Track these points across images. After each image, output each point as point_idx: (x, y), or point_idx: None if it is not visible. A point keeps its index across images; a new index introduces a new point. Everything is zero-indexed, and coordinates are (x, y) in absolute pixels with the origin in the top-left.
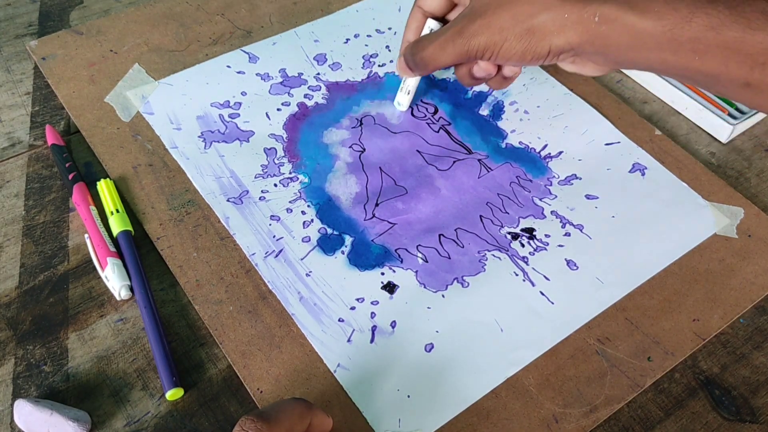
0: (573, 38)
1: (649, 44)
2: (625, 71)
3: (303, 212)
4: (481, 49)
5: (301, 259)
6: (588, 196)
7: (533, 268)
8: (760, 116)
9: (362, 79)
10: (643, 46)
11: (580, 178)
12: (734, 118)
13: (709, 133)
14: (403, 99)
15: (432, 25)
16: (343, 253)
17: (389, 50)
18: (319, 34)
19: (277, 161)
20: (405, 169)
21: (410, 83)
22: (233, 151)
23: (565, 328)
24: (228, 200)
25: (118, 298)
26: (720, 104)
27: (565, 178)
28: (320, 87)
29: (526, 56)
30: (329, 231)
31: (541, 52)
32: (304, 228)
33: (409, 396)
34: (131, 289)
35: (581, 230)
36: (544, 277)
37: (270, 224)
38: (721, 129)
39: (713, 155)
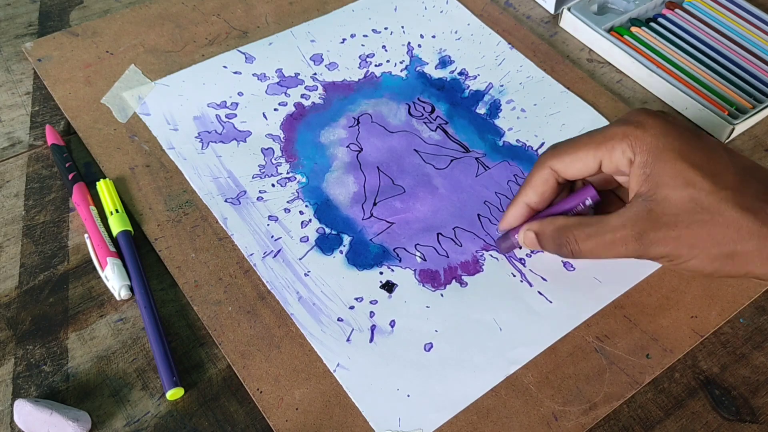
0: None
1: None
2: (625, 71)
3: (301, 212)
4: (660, 257)
5: (300, 259)
6: None
7: (530, 270)
8: (760, 116)
9: (359, 79)
10: None
11: None
12: (734, 118)
13: (709, 133)
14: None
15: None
16: (341, 252)
17: (385, 50)
18: (316, 34)
19: (274, 161)
20: (403, 168)
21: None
22: (230, 151)
23: (564, 326)
24: (226, 201)
25: (118, 298)
26: (720, 104)
27: None
28: (317, 87)
29: (714, 275)
30: (327, 231)
31: (734, 275)
32: (302, 228)
33: (408, 395)
34: (131, 289)
35: None
36: (542, 278)
37: (268, 224)
38: (721, 129)
39: None
